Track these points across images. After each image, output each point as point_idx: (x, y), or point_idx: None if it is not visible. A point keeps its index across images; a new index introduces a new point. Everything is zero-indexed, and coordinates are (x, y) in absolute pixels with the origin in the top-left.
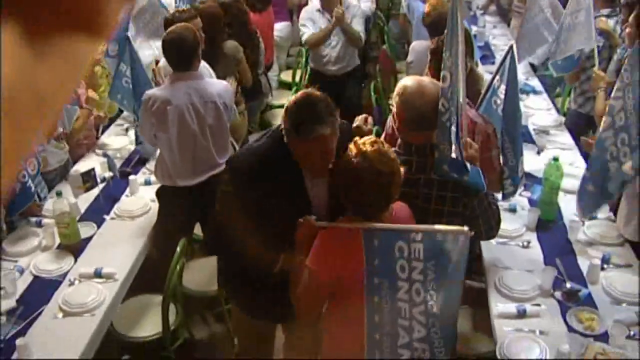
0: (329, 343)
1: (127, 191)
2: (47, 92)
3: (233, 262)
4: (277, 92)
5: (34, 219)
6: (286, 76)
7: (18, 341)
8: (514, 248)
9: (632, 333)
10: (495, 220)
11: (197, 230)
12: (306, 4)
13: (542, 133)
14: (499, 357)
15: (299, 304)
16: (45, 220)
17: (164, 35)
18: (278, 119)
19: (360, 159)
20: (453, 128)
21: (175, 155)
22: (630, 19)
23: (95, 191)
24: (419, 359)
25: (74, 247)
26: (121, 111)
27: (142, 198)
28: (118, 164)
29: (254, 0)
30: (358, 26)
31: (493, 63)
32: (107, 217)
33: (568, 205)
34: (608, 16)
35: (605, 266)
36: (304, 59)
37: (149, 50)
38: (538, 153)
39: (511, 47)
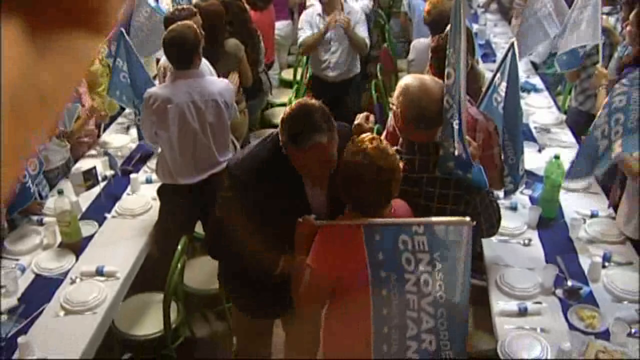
0: (332, 340)
1: (129, 189)
2: (49, 90)
3: (233, 264)
4: (278, 90)
5: (35, 217)
6: (287, 74)
7: (20, 339)
8: (515, 246)
9: (633, 331)
10: (496, 218)
11: (198, 228)
12: (305, 2)
13: (543, 131)
14: (500, 355)
15: (300, 303)
16: (46, 219)
17: (164, 33)
18: (279, 117)
19: (360, 156)
20: (456, 125)
21: (176, 153)
22: (631, 16)
23: (96, 189)
24: (425, 350)
25: (76, 246)
26: (122, 109)
27: (143, 196)
28: (119, 162)
29: None
30: (362, 32)
31: (494, 61)
32: (108, 216)
33: (569, 203)
34: (608, 14)
35: (606, 264)
36: (304, 59)
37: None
38: (539, 151)
39: (512, 44)
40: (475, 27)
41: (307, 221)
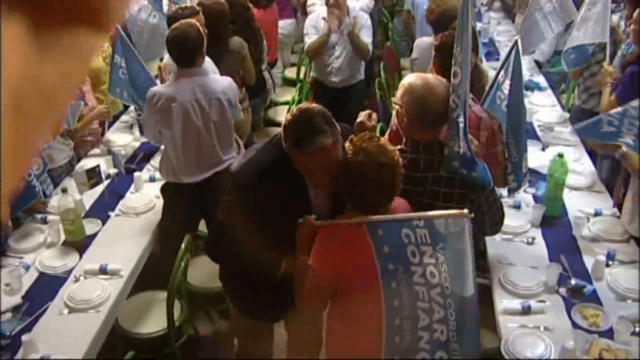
0: (335, 340)
1: (132, 188)
2: (51, 89)
3: (233, 266)
4: (281, 89)
5: (39, 216)
6: (290, 73)
7: (24, 337)
8: (519, 244)
9: (637, 329)
10: (500, 216)
11: (202, 226)
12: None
13: (546, 129)
14: (503, 353)
15: (302, 303)
16: (50, 217)
17: (167, 32)
18: (282, 115)
19: (362, 155)
20: (461, 124)
21: (179, 152)
22: (635, 15)
23: (100, 188)
24: (436, 340)
25: (79, 244)
26: (125, 108)
27: (146, 195)
28: (123, 160)
29: None
30: (366, 37)
31: (497, 59)
32: (112, 214)
33: (573, 202)
34: (612, 11)
35: (610, 262)
36: (308, 58)
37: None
38: (543, 149)
39: (516, 42)
40: (478, 26)
41: (307, 221)
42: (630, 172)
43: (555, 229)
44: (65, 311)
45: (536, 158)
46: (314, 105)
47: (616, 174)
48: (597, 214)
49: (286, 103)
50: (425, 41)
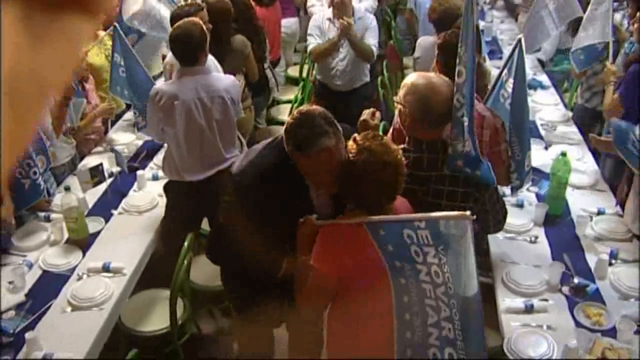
0: (337, 340)
1: (135, 186)
2: (45, 75)
3: (234, 269)
4: (284, 87)
5: (42, 214)
6: (293, 71)
7: (27, 335)
8: (522, 243)
9: None
10: (503, 214)
11: (205, 225)
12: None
13: (549, 128)
14: (506, 352)
15: (303, 304)
16: (53, 215)
17: (170, 30)
18: (284, 114)
19: (365, 154)
20: (466, 123)
21: (182, 150)
22: (639, 13)
23: (103, 186)
24: (445, 337)
25: (82, 242)
26: (128, 106)
27: (149, 193)
28: (126, 159)
29: None
30: (371, 39)
31: (500, 58)
32: (115, 212)
33: (576, 201)
34: (615, 10)
35: (613, 261)
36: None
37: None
38: (546, 148)
39: (519, 40)
40: (481, 24)
41: (308, 221)
42: (634, 171)
43: (558, 228)
44: (69, 309)
45: (539, 157)
46: (315, 106)
47: (619, 173)
48: (600, 212)
49: (289, 102)
50: (427, 40)
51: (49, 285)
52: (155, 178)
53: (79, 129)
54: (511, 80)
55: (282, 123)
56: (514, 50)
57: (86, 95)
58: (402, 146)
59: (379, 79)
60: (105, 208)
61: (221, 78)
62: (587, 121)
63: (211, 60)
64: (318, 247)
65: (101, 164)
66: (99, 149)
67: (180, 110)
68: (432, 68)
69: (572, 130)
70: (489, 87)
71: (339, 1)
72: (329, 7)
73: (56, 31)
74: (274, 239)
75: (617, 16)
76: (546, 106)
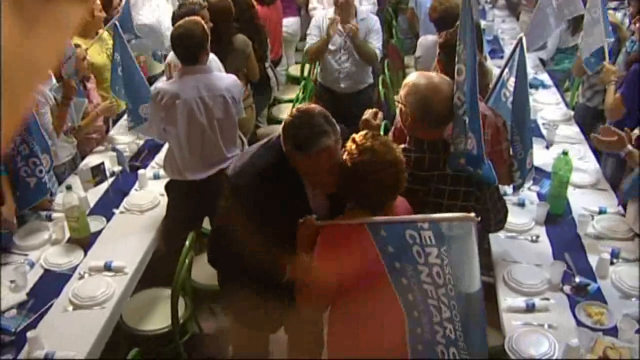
0: (338, 341)
1: (137, 185)
2: (36, 60)
3: (234, 273)
4: (286, 86)
5: (44, 213)
6: (294, 71)
7: (29, 334)
8: (523, 242)
9: None
10: (504, 213)
11: (206, 224)
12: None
13: (551, 127)
14: (507, 351)
15: (304, 304)
16: (55, 214)
17: (172, 29)
18: (285, 113)
19: (368, 154)
20: (467, 121)
21: (184, 149)
22: None
23: (104, 185)
24: (448, 337)
25: (84, 241)
26: None
27: (151, 192)
28: (127, 158)
29: None
30: (375, 41)
31: (502, 57)
32: (116, 211)
33: (577, 200)
34: (616, 9)
35: (614, 260)
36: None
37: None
38: (547, 147)
39: (520, 39)
40: (483, 23)
41: (308, 222)
42: (632, 166)
43: (560, 227)
44: (70, 308)
45: (540, 156)
46: (313, 105)
47: (621, 172)
48: (601, 212)
49: (290, 101)
50: (428, 39)
51: (51, 284)
52: (156, 177)
53: (80, 129)
54: (513, 79)
55: (283, 122)
56: (515, 49)
57: (88, 95)
58: (403, 146)
59: (380, 78)
60: (106, 207)
61: (222, 77)
62: (589, 120)
63: (214, 59)
64: (319, 247)
65: (102, 163)
66: (101, 148)
67: (181, 109)
68: (433, 67)
69: (574, 129)
70: (490, 86)
71: (343, 2)
72: (333, 6)
73: (46, 17)
74: (272, 240)
75: (618, 15)
76: (547, 105)
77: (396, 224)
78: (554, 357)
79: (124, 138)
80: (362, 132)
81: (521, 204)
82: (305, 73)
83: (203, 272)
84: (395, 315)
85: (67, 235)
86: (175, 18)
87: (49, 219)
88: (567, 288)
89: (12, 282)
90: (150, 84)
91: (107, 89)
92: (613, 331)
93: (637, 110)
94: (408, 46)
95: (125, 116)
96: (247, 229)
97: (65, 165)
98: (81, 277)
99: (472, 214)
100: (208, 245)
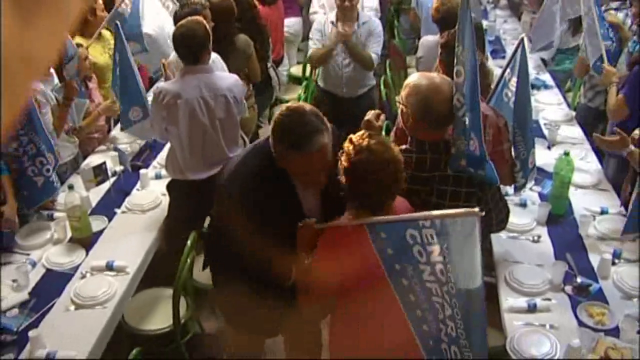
0: (340, 341)
1: (138, 185)
2: (35, 52)
3: (231, 277)
4: (287, 86)
5: (45, 213)
6: (296, 71)
7: (31, 333)
8: (525, 242)
9: None
10: (506, 213)
11: (208, 223)
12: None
13: (552, 128)
14: (509, 351)
15: (306, 306)
16: (56, 214)
17: (174, 29)
18: None
19: (365, 153)
20: (467, 122)
21: (185, 149)
22: None
23: (106, 185)
24: (449, 335)
25: (86, 241)
26: None
27: (152, 192)
28: (129, 157)
29: None
30: (374, 45)
31: (503, 57)
32: (118, 211)
33: (579, 200)
34: (617, 9)
35: (616, 261)
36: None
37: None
38: (549, 148)
39: (522, 39)
40: (484, 24)
41: (307, 225)
42: (638, 171)
43: (561, 227)
44: (72, 307)
45: (542, 156)
46: (302, 103)
47: (623, 173)
48: (603, 212)
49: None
50: (430, 40)
51: (53, 283)
52: (158, 177)
53: (81, 129)
54: (514, 79)
55: None
56: (517, 50)
57: (89, 95)
58: (404, 147)
59: (382, 78)
60: (108, 207)
61: (224, 77)
62: (590, 120)
63: (217, 58)
64: (319, 250)
65: (104, 163)
66: (102, 147)
67: (183, 109)
68: (435, 68)
69: (575, 129)
70: (492, 86)
71: (345, 5)
72: (335, 9)
73: (45, 12)
74: (270, 244)
75: (620, 15)
76: (549, 106)
77: (397, 223)
78: (556, 358)
79: (126, 138)
80: (360, 132)
81: (523, 204)
82: (307, 73)
83: (205, 272)
84: (396, 316)
85: (69, 234)
86: (177, 18)
87: (51, 218)
88: (568, 288)
89: (14, 281)
90: (152, 84)
91: (109, 89)
92: (615, 331)
93: (639, 110)
94: (410, 46)
95: None
96: (245, 235)
97: (67, 165)
98: (83, 276)
99: (476, 209)
100: (204, 249)
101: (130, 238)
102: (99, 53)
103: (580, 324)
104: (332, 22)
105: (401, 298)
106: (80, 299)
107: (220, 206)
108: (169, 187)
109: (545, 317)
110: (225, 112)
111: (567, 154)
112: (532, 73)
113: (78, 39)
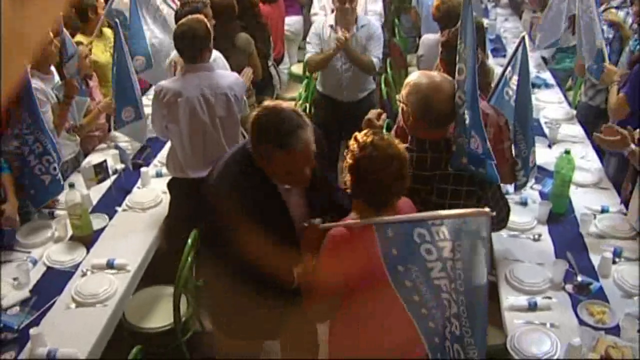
0: (341, 342)
1: (139, 183)
2: (28, 34)
3: (225, 288)
4: (288, 85)
5: (46, 211)
6: (297, 69)
7: (31, 331)
8: (525, 241)
9: None
10: (506, 211)
11: None
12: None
13: (553, 126)
14: (509, 349)
15: (310, 307)
16: (57, 212)
17: (175, 27)
18: None
19: (369, 149)
20: (468, 120)
21: (186, 147)
22: None
23: (107, 183)
24: (452, 333)
25: (86, 239)
26: None
27: (153, 190)
28: (130, 156)
29: None
30: (375, 49)
31: (504, 56)
32: (118, 209)
33: (579, 199)
34: (618, 7)
35: (616, 259)
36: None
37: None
38: (549, 146)
39: (523, 37)
40: (485, 22)
41: (312, 226)
42: (639, 169)
43: (562, 226)
44: (73, 305)
45: (543, 155)
46: (278, 101)
47: (623, 171)
48: (603, 210)
49: (292, 99)
50: (431, 38)
51: (53, 281)
52: (159, 175)
53: (82, 127)
54: (515, 78)
55: None
56: (517, 48)
57: (90, 93)
58: (405, 145)
59: (383, 77)
60: (109, 205)
61: (225, 75)
62: (591, 119)
63: (219, 56)
64: (324, 251)
65: (105, 161)
66: (103, 145)
67: (184, 107)
68: (436, 66)
69: (576, 128)
70: (492, 85)
71: (345, 7)
72: (332, 12)
73: None
74: (265, 247)
75: (621, 14)
76: (550, 104)
77: (404, 222)
78: (556, 356)
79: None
80: (364, 131)
81: (523, 203)
82: (308, 72)
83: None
84: (398, 316)
85: (70, 232)
86: (178, 16)
87: (52, 216)
88: (569, 287)
89: (14, 279)
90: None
91: (110, 87)
92: (615, 330)
93: None
94: (411, 45)
95: None
96: (241, 240)
97: (68, 163)
98: (84, 274)
99: (487, 209)
100: (197, 263)
101: (131, 236)
102: (101, 51)
103: (581, 322)
104: (331, 26)
105: (404, 298)
106: (81, 297)
107: (209, 213)
108: (170, 185)
109: (545, 315)
110: (226, 111)
111: (567, 152)
112: (533, 71)
113: (79, 37)
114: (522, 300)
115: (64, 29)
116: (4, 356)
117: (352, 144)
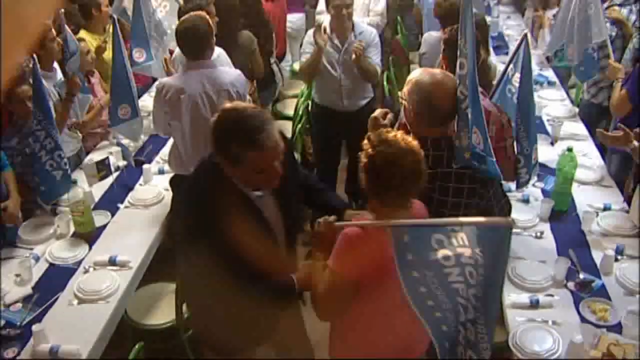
0: (345, 343)
1: (141, 180)
2: (29, 19)
3: (209, 303)
4: (290, 82)
5: (49, 207)
6: (299, 66)
7: (34, 327)
8: (527, 238)
9: None
10: (507, 209)
11: None
12: None
13: (555, 124)
14: (511, 347)
15: (320, 306)
16: (60, 209)
17: (177, 24)
18: (290, 108)
19: (384, 145)
20: (470, 115)
21: (188, 144)
22: None
23: (109, 180)
24: (467, 338)
25: (89, 235)
26: None
27: (155, 187)
28: (132, 153)
29: None
30: (374, 56)
31: (506, 53)
32: (121, 206)
33: (582, 196)
34: (621, 5)
35: (618, 257)
36: None
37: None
38: (552, 144)
39: (525, 35)
40: (488, 20)
41: (325, 223)
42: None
43: (564, 224)
44: (75, 302)
45: (545, 152)
46: (236, 102)
47: (625, 169)
48: (606, 208)
49: (294, 96)
50: (433, 35)
51: (56, 278)
52: (161, 172)
53: (84, 124)
54: (517, 75)
55: (288, 117)
56: (520, 46)
57: (92, 90)
58: None
59: (385, 74)
60: (111, 202)
61: (227, 72)
62: (594, 117)
63: (222, 53)
64: (338, 249)
65: (107, 158)
66: (105, 142)
67: (186, 103)
68: (438, 63)
69: (579, 126)
70: (494, 82)
71: (342, 13)
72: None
73: None
74: (247, 261)
75: (624, 11)
76: (552, 102)
77: (423, 227)
78: (558, 354)
79: None
80: (377, 131)
81: (525, 201)
82: (304, 82)
83: None
84: (407, 319)
85: (72, 229)
86: (181, 13)
87: (54, 213)
88: (571, 284)
89: (17, 276)
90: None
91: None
92: (617, 328)
93: None
94: (413, 42)
95: None
96: (223, 259)
97: (70, 160)
98: (86, 271)
99: (510, 219)
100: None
101: (133, 233)
102: (109, 49)
103: (583, 320)
104: (324, 28)
105: (417, 304)
106: (83, 294)
107: (185, 244)
108: (172, 182)
109: (547, 313)
110: None
111: (570, 150)
112: (535, 69)
113: (82, 34)
114: (524, 297)
115: (66, 26)
116: (7, 353)
117: (365, 144)
